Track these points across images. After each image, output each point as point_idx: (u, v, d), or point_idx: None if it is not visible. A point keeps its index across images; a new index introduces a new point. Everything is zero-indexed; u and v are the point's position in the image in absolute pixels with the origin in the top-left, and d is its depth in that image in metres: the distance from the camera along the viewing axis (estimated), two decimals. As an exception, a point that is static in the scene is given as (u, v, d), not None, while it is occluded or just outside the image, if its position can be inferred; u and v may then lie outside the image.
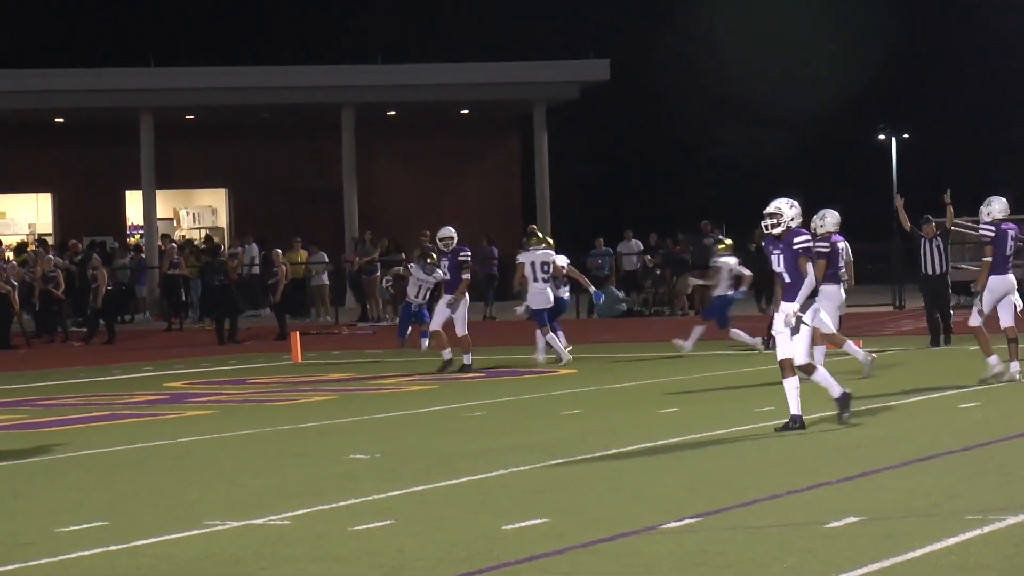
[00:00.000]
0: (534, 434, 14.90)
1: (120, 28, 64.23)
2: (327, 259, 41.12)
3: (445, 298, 22.92)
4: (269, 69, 46.40)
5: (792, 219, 14.46)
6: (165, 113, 44.91)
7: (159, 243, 43.08)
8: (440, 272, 23.65)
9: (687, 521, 9.82)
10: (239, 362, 26.98)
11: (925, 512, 10.00)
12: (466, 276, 22.87)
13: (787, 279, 14.41)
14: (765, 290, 34.02)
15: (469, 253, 23.27)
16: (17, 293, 34.07)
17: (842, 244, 19.85)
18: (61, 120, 46.56)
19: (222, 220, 49.34)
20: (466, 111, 48.68)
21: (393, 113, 47.96)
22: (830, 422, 14.76)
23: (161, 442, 15.12)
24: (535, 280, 23.65)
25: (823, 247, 18.83)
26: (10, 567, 9.08)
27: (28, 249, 41.66)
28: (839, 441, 13.59)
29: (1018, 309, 18.29)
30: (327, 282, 40.50)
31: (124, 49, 55.23)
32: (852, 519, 9.69)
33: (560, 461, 12.73)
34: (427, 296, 24.91)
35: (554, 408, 17.37)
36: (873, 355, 19.83)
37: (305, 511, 10.65)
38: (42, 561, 9.23)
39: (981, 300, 18.12)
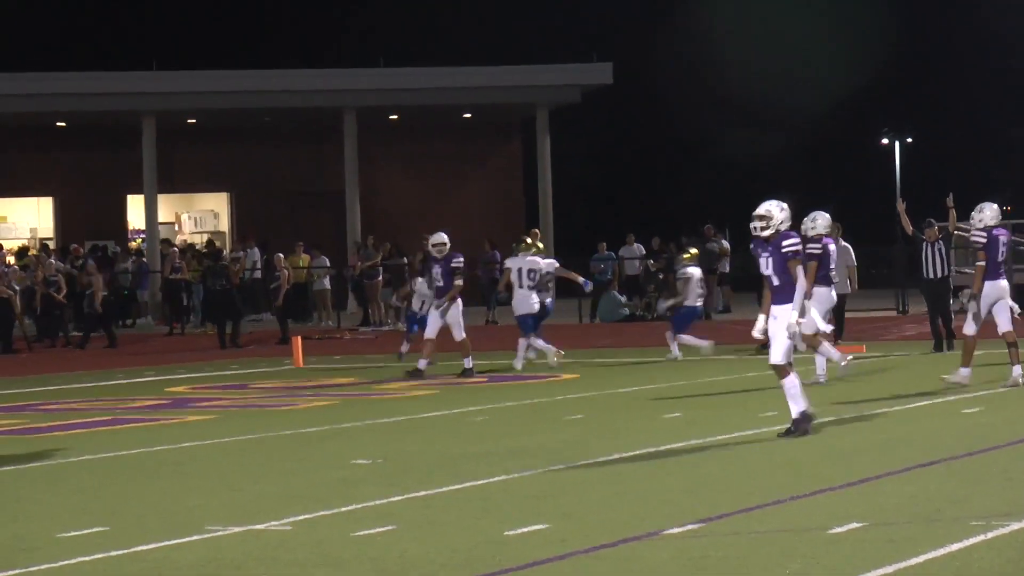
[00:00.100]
0: (536, 439, 14.87)
1: (121, 31, 64.30)
2: (329, 263, 41.10)
3: (436, 303, 22.90)
4: (270, 73, 46.37)
5: (782, 222, 14.35)
6: (167, 117, 44.89)
7: (160, 247, 43.04)
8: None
9: (690, 526, 9.80)
10: (241, 367, 26.96)
11: (928, 517, 9.97)
12: (459, 282, 22.86)
13: (775, 282, 14.31)
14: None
15: (462, 259, 23.24)
16: (19, 297, 34.05)
17: (833, 247, 19.99)
18: (63, 124, 46.50)
19: (224, 224, 49.28)
20: (468, 115, 48.65)
21: (395, 117, 47.94)
22: (833, 426, 14.74)
23: (162, 447, 15.11)
24: (520, 286, 23.80)
25: (815, 249, 18.97)
26: (12, 572, 9.07)
27: (30, 253, 41.63)
28: (842, 446, 13.56)
29: (1016, 314, 18.43)
30: (329, 286, 40.48)
31: (126, 52, 55.24)
32: (855, 524, 9.67)
33: (562, 466, 12.70)
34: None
35: (556, 413, 17.35)
36: (849, 358, 19.73)
37: (306, 516, 10.63)
38: (43, 566, 9.21)
39: (977, 303, 18.21)
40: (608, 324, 36.53)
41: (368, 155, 46.42)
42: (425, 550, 9.35)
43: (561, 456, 13.24)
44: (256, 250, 41.19)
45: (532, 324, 23.85)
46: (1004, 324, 18.38)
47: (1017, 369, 18.18)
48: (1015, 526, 9.52)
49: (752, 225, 14.34)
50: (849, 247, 26.10)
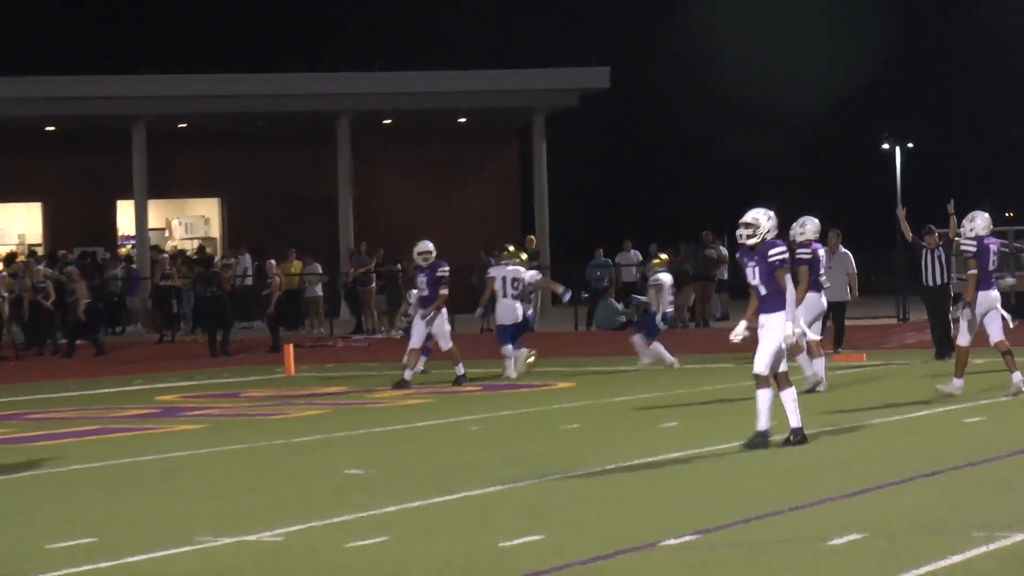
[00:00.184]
0: (532, 448, 14.81)
1: (112, 35, 64.17)
2: (321, 270, 40.99)
3: (420, 312, 22.77)
4: (265, 76, 46.23)
5: (768, 231, 14.23)
6: (157, 121, 44.74)
7: (150, 253, 42.88)
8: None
9: (687, 537, 9.73)
10: (232, 375, 26.87)
11: (930, 528, 9.91)
12: (443, 291, 22.75)
13: (763, 292, 14.19)
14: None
15: (447, 269, 23.11)
16: (7, 304, 33.90)
17: (823, 252, 20.14)
18: (52, 128, 46.35)
19: (215, 230, 49.18)
20: (464, 119, 48.62)
21: (390, 121, 47.87)
22: (833, 435, 14.67)
23: (152, 457, 15.02)
24: (504, 296, 23.73)
25: (804, 254, 19.04)
26: (-2, 585, 8.99)
27: (17, 260, 41.49)
28: (842, 455, 13.50)
29: (1009, 324, 18.42)
30: (321, 294, 40.38)
31: (116, 56, 55.10)
32: (855, 535, 9.60)
33: (558, 476, 12.63)
34: None
35: (552, 422, 17.28)
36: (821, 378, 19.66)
37: (299, 527, 10.56)
38: (31, 578, 9.13)
39: (972, 311, 18.18)
40: (605, 331, 36.43)
41: (364, 160, 46.37)
42: (419, 561, 9.29)
43: (557, 466, 13.16)
44: (247, 256, 41.10)
45: (511, 334, 23.74)
46: (996, 334, 18.36)
47: (1017, 376, 18.12)
48: (1018, 537, 9.45)
49: (738, 233, 14.25)
50: (849, 254, 26.05)
